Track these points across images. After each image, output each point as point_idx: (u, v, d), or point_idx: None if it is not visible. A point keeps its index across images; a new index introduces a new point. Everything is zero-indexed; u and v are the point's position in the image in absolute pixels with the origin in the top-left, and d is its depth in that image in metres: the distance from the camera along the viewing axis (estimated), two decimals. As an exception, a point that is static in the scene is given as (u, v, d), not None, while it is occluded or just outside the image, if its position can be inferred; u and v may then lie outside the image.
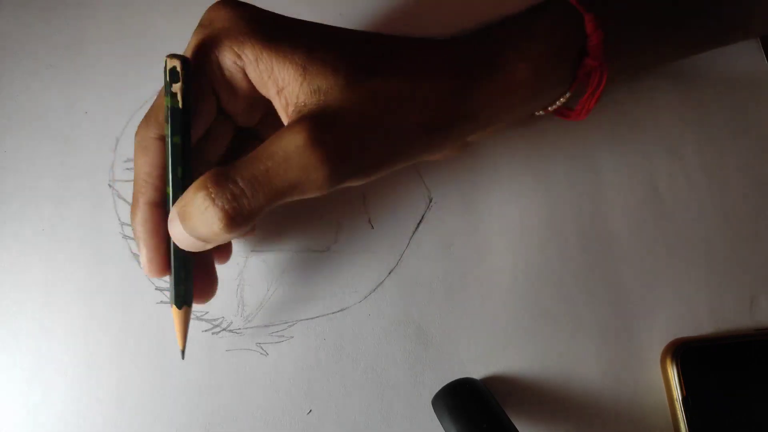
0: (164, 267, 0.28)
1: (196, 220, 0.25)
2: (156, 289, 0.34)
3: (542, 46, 0.28)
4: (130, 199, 0.36)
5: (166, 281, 0.34)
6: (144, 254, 0.28)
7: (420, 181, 0.36)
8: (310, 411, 0.33)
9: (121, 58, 0.38)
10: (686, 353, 0.32)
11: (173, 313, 0.29)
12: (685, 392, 0.32)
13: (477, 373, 0.34)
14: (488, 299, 0.35)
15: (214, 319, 0.34)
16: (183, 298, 0.28)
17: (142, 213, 0.28)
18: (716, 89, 0.37)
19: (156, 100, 0.28)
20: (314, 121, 0.25)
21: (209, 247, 0.26)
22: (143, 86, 0.37)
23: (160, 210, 0.28)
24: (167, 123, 0.27)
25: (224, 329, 0.34)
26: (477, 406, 0.30)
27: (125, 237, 0.35)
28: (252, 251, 0.35)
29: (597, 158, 0.37)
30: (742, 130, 0.37)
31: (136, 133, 0.28)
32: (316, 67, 0.25)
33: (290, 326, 0.34)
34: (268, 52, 0.26)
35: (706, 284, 0.35)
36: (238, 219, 0.24)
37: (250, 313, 0.34)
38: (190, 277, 0.29)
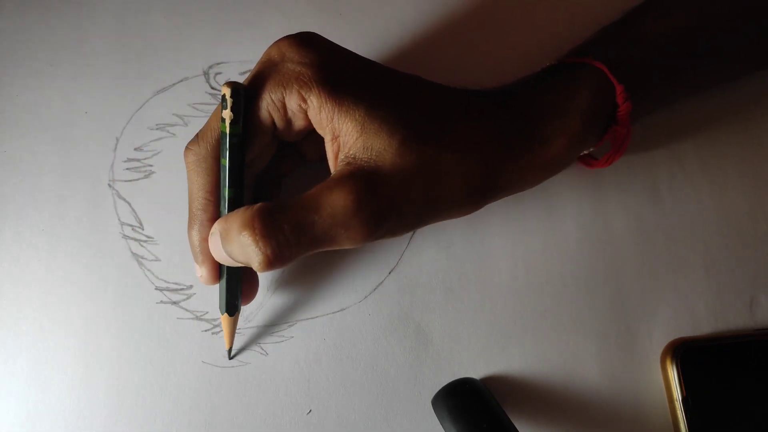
0: (217, 277, 0.31)
1: (236, 249, 0.26)
2: (156, 289, 0.34)
3: (579, 123, 0.30)
4: (130, 199, 0.36)
5: (166, 281, 0.34)
6: (205, 268, 0.30)
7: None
8: (310, 411, 0.33)
9: (121, 58, 0.38)
10: (686, 353, 0.32)
11: (223, 320, 0.32)
12: (685, 392, 0.32)
13: (477, 373, 0.34)
14: (488, 299, 0.35)
15: (214, 319, 0.34)
16: (229, 307, 0.31)
17: (206, 230, 0.30)
18: (716, 88, 0.37)
19: (210, 119, 0.29)
20: (363, 182, 0.26)
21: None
22: (143, 86, 0.37)
23: None
24: (222, 145, 0.28)
25: (224, 329, 0.34)
26: (477, 406, 0.30)
27: (125, 237, 0.35)
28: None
29: (597, 158, 0.37)
30: (742, 129, 0.37)
31: (188, 152, 0.30)
32: (373, 126, 0.26)
33: (290, 326, 0.34)
34: (331, 103, 0.27)
35: (706, 284, 0.35)
36: (276, 263, 0.26)
37: (250, 313, 0.34)
38: (240, 287, 0.31)
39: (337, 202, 0.25)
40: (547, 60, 0.34)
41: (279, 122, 0.29)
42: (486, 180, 0.28)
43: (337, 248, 0.27)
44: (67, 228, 0.35)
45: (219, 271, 0.31)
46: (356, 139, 0.27)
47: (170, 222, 0.35)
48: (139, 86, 0.37)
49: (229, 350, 0.33)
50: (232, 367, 0.33)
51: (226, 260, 0.28)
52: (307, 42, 0.28)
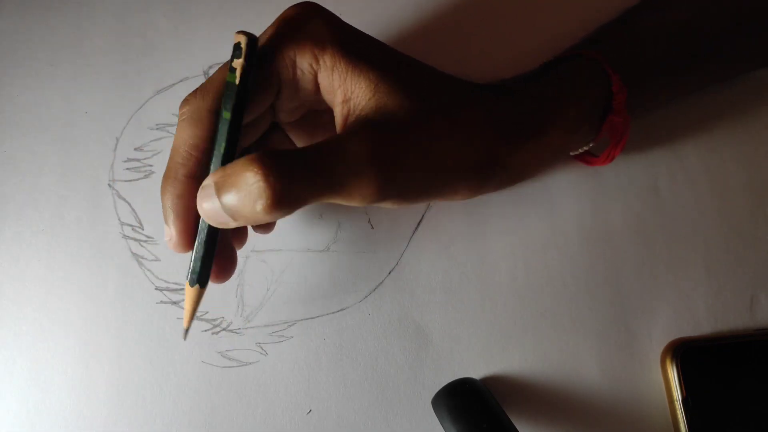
0: (190, 244, 0.27)
1: (234, 195, 0.24)
2: (156, 289, 0.34)
3: (575, 111, 0.30)
4: (130, 199, 0.36)
5: (166, 281, 0.34)
6: (175, 228, 0.27)
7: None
8: (310, 411, 0.33)
9: (121, 58, 0.38)
10: (686, 353, 0.32)
11: (187, 292, 0.28)
12: (685, 392, 0.32)
13: (477, 373, 0.34)
14: (488, 299, 0.35)
15: (214, 319, 0.34)
16: (199, 277, 0.27)
17: (181, 186, 0.27)
18: (716, 88, 0.37)
19: (215, 74, 0.28)
20: (378, 134, 0.25)
21: (232, 226, 0.25)
22: (143, 86, 0.37)
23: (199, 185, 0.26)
24: (227, 97, 0.26)
25: (224, 329, 0.34)
26: (477, 406, 0.30)
27: (125, 237, 0.35)
28: (252, 251, 0.35)
29: (597, 158, 0.37)
30: (743, 129, 0.37)
31: (185, 103, 0.27)
32: (387, 85, 0.26)
33: (290, 326, 0.34)
34: (345, 63, 0.26)
35: (706, 284, 0.35)
36: (283, 202, 0.23)
37: (250, 313, 0.34)
38: (212, 257, 0.28)
39: (352, 147, 0.25)
40: (546, 58, 0.34)
41: (286, 82, 0.28)
42: (489, 161, 0.28)
43: (344, 202, 0.25)
44: (67, 228, 0.35)
45: (191, 236, 0.27)
46: (369, 99, 0.26)
47: (170, 222, 0.35)
48: (139, 86, 0.37)
49: (186, 330, 0.29)
50: (232, 367, 0.33)
51: (218, 218, 0.25)
52: (323, 9, 0.28)
